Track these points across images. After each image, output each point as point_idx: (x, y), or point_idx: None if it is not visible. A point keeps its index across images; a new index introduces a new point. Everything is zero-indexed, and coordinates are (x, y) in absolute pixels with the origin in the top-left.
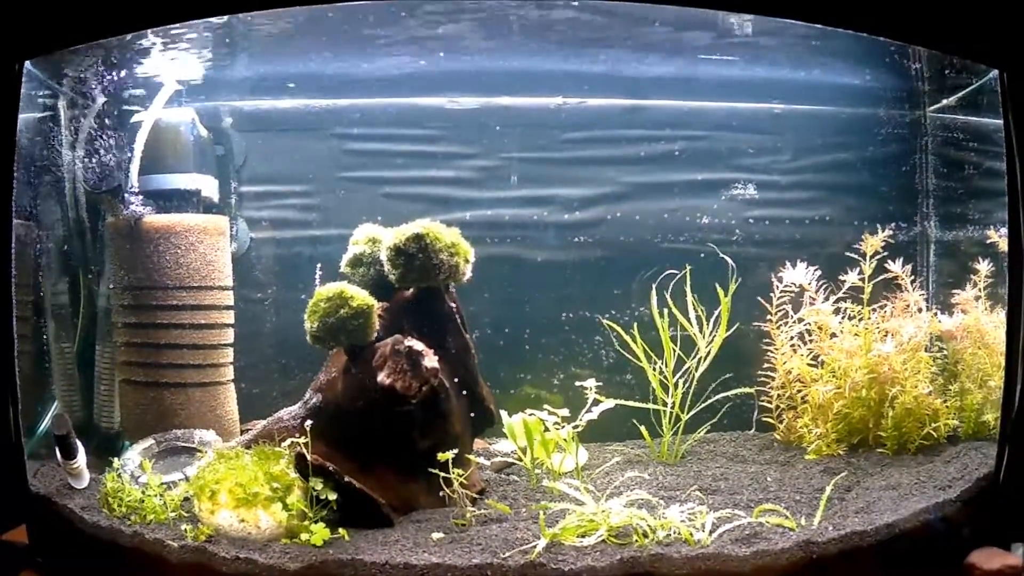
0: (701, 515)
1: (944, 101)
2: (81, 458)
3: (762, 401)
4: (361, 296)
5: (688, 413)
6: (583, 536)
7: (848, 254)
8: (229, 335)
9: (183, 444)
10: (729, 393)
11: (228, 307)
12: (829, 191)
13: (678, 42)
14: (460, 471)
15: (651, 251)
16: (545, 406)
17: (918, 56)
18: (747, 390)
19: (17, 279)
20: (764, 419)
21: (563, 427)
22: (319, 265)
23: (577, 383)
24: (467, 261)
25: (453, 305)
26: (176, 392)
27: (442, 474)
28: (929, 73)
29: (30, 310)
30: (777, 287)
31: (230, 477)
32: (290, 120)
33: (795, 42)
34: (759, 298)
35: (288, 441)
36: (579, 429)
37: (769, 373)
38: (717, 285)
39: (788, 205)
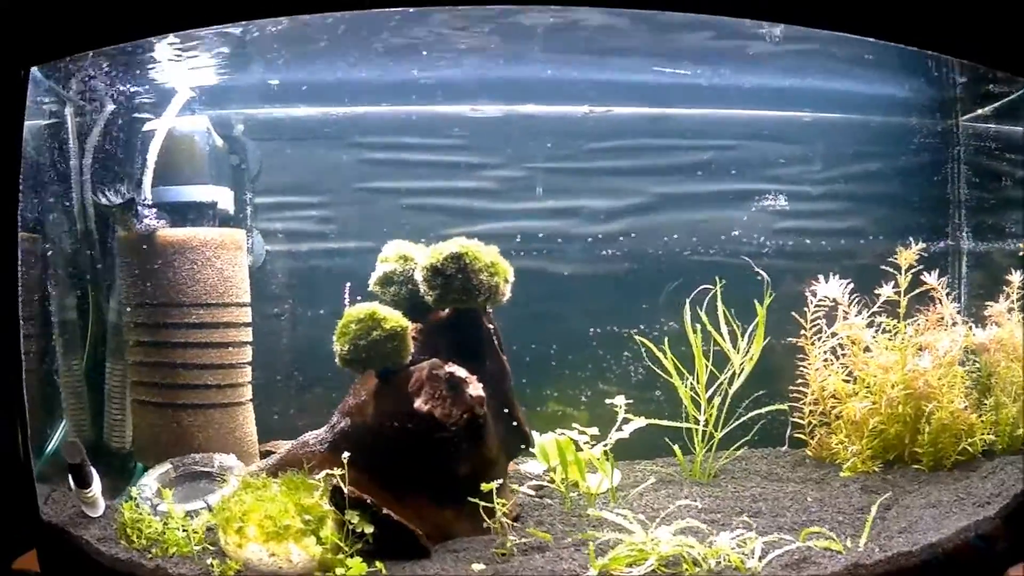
0: (750, 541)
1: (979, 111)
2: (96, 486)
3: (794, 417)
4: (394, 317)
5: (722, 430)
6: (631, 566)
7: (880, 266)
8: (248, 353)
9: (202, 469)
10: (763, 410)
11: (246, 324)
12: (860, 202)
13: (705, 49)
14: (501, 499)
15: (680, 264)
16: (574, 424)
17: (950, 65)
18: (781, 407)
19: (23, 295)
20: (795, 435)
21: (593, 446)
22: (347, 284)
23: (607, 400)
24: (507, 281)
25: (491, 327)
26: (193, 413)
27: (482, 503)
28: (962, 82)
29: (37, 327)
30: (811, 301)
31: (258, 509)
32: (307, 129)
33: (824, 50)
34: (793, 312)
35: (322, 473)
36: (607, 447)
37: (801, 389)
38: (756, 301)
39: (819, 216)
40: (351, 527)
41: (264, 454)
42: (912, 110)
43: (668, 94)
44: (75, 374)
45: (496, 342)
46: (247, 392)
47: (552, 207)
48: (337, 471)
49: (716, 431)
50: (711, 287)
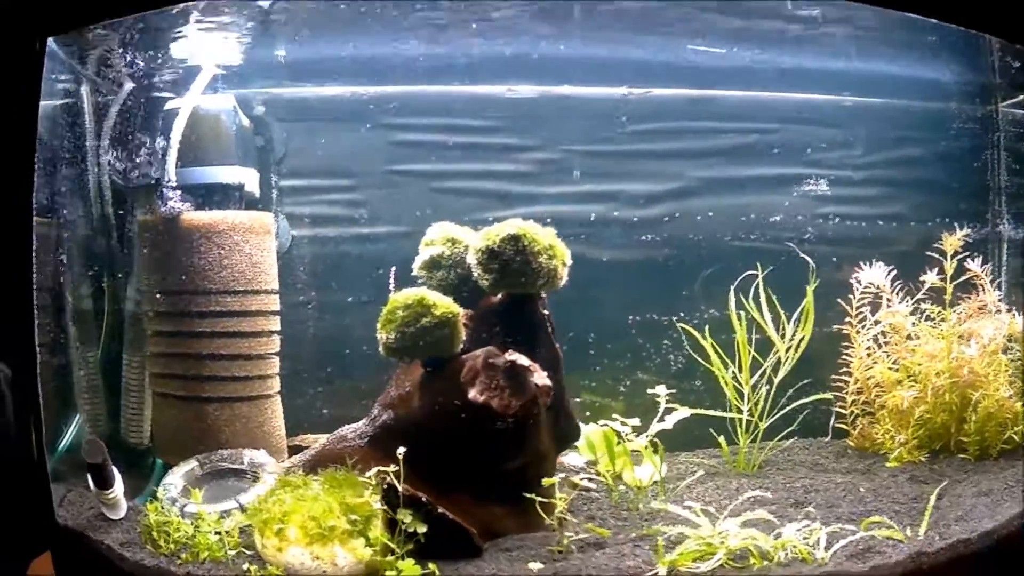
0: (815, 532)
1: (1020, 97)
2: (118, 487)
3: (835, 407)
4: (444, 303)
5: (767, 421)
6: (697, 561)
7: (922, 253)
8: (276, 343)
9: (230, 466)
10: (807, 400)
11: (275, 312)
12: (900, 188)
13: (745, 30)
14: (562, 495)
15: (721, 250)
16: (614, 415)
17: (990, 50)
18: (826, 396)
19: (37, 282)
20: (835, 425)
21: (635, 438)
22: (393, 268)
23: (649, 391)
24: (564, 265)
25: (546, 313)
26: (220, 407)
27: (538, 498)
28: (1002, 67)
29: (50, 316)
30: (857, 288)
31: (300, 509)
32: (335, 108)
33: (864, 33)
34: (835, 299)
35: (373, 470)
36: (650, 439)
37: (843, 378)
38: (806, 287)
39: (860, 202)
40: (403, 527)
41: (292, 449)
42: (952, 95)
43: (708, 75)
44: (90, 366)
45: (550, 329)
46: (275, 384)
47: (590, 191)
48: (391, 468)
49: (761, 421)
50: (754, 273)
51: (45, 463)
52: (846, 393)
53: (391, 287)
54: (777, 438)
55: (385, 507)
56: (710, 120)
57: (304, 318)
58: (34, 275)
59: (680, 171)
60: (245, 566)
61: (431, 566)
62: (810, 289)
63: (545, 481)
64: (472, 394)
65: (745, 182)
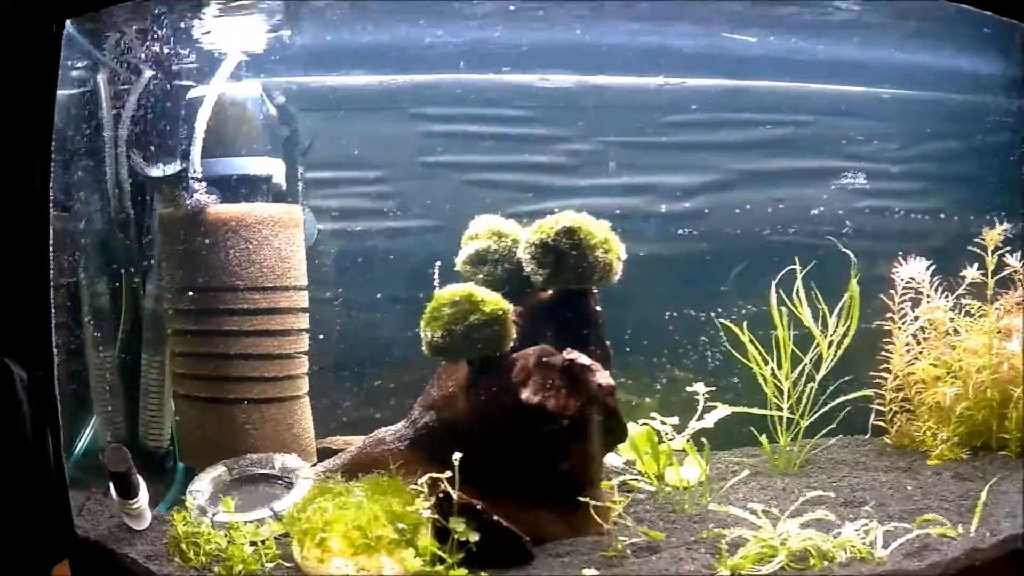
0: (872, 530)
1: None
2: (143, 496)
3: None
4: (494, 299)
5: (808, 418)
6: (758, 563)
7: (959, 248)
8: (305, 341)
9: (260, 471)
10: (848, 397)
11: (303, 310)
12: (938, 181)
13: (781, 19)
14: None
15: (759, 244)
16: (652, 414)
17: None
18: (867, 393)
19: (53, 280)
20: (875, 423)
21: (674, 437)
22: (438, 264)
23: (688, 388)
24: (619, 259)
25: (598, 309)
26: (248, 409)
27: (593, 501)
28: None
29: (66, 315)
30: (899, 283)
31: (343, 518)
32: (362, 98)
33: (902, 24)
34: (874, 295)
35: (426, 476)
36: (689, 438)
37: (881, 374)
38: (853, 282)
39: (898, 196)
40: (455, 536)
41: (322, 452)
42: (990, 88)
43: (744, 66)
44: (107, 367)
45: (601, 326)
46: (304, 384)
47: (626, 183)
48: (444, 475)
49: (802, 419)
50: (795, 268)
51: (63, 470)
52: (885, 390)
53: (435, 283)
54: (818, 436)
55: (438, 515)
56: (746, 111)
57: (330, 315)
58: (51, 272)
59: (717, 163)
60: None
61: (483, 575)
62: (853, 283)
63: (603, 484)
64: (525, 395)
65: (782, 175)
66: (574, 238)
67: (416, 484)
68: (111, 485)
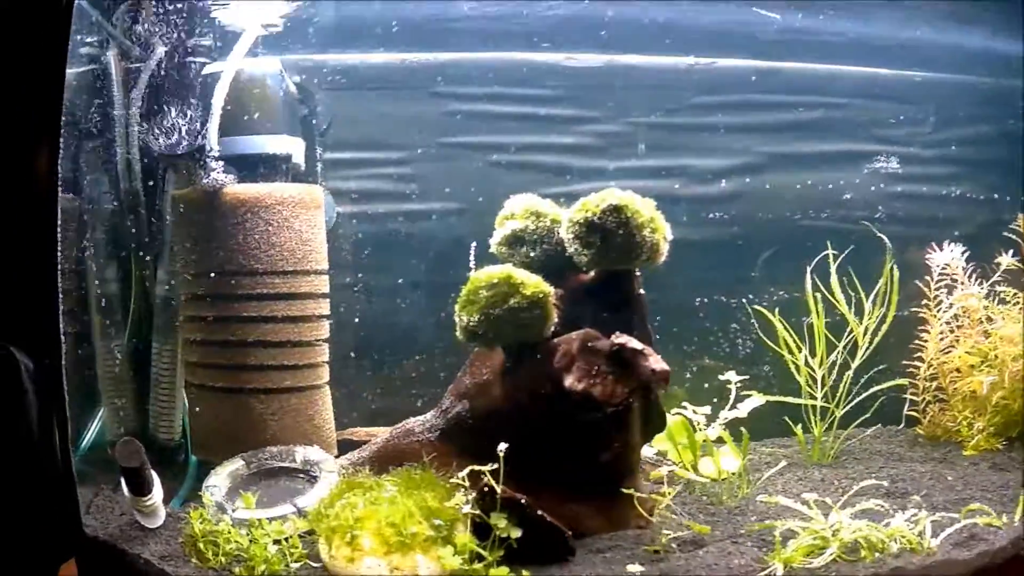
0: (921, 521)
1: None
2: (157, 493)
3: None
4: (534, 281)
5: (843, 408)
6: (809, 555)
7: (992, 234)
8: (325, 328)
9: (281, 465)
10: (882, 386)
11: (324, 295)
12: (970, 166)
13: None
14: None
15: (789, 229)
16: (683, 403)
17: None
18: (902, 382)
19: (60, 265)
20: (908, 413)
21: (707, 427)
22: (474, 244)
23: (720, 376)
24: (665, 239)
25: (641, 292)
26: (267, 399)
27: (637, 493)
28: None
29: (73, 301)
30: (935, 269)
31: (374, 515)
32: (383, 76)
33: (934, 4)
34: (914, 282)
35: (467, 469)
36: (723, 427)
37: (914, 363)
38: (886, 267)
39: (930, 181)
40: (497, 532)
41: (342, 444)
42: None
43: (774, 47)
44: (116, 356)
45: (644, 310)
46: (325, 373)
47: (654, 166)
48: (486, 467)
49: (837, 409)
50: (824, 254)
51: (71, 464)
52: (919, 379)
53: (471, 264)
54: (852, 426)
55: (480, 510)
56: (777, 93)
57: (349, 301)
58: (58, 256)
59: (747, 146)
60: None
61: (524, 574)
62: (888, 269)
63: (653, 474)
64: (569, 382)
65: (812, 158)
66: (621, 216)
67: (448, 477)
68: (122, 481)
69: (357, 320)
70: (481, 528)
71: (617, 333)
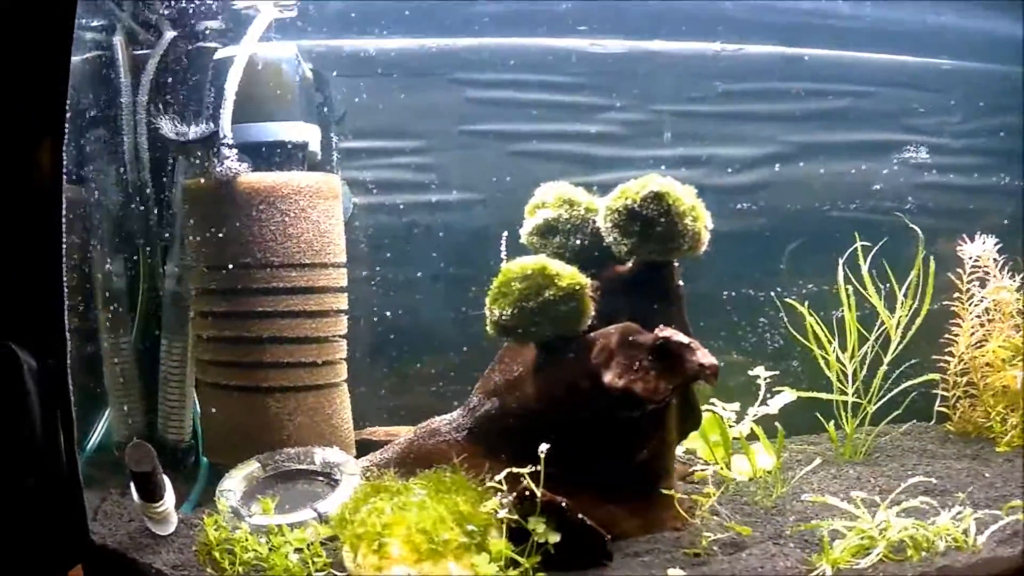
0: (966, 518)
1: None
2: (169, 498)
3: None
4: (569, 273)
5: (875, 403)
6: (855, 555)
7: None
8: (344, 324)
9: (299, 467)
10: (914, 381)
11: (342, 289)
12: (1000, 156)
13: None
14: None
15: (818, 220)
16: (711, 400)
17: None
18: (933, 377)
19: (66, 259)
20: (939, 409)
21: (736, 424)
22: (504, 234)
23: (750, 372)
24: (706, 229)
25: (680, 284)
26: (283, 398)
27: (676, 493)
28: None
29: (78, 297)
30: (967, 261)
31: (403, 520)
32: (401, 63)
33: None
34: (946, 274)
35: (505, 472)
36: (749, 424)
37: (945, 358)
38: (922, 258)
39: (960, 171)
40: (535, 538)
41: (360, 445)
42: None
43: (800, 33)
44: (123, 354)
45: (683, 303)
46: (343, 370)
47: (680, 155)
48: (525, 469)
49: (870, 405)
50: (853, 246)
51: (77, 468)
52: (949, 374)
53: (503, 255)
54: (883, 422)
55: (518, 515)
56: (803, 81)
57: (366, 296)
58: (63, 250)
59: (774, 135)
60: None
61: None
62: (919, 260)
63: (697, 475)
64: (608, 378)
65: (840, 148)
66: (662, 204)
67: (479, 480)
68: (132, 486)
69: (374, 315)
70: (517, 533)
71: (661, 326)
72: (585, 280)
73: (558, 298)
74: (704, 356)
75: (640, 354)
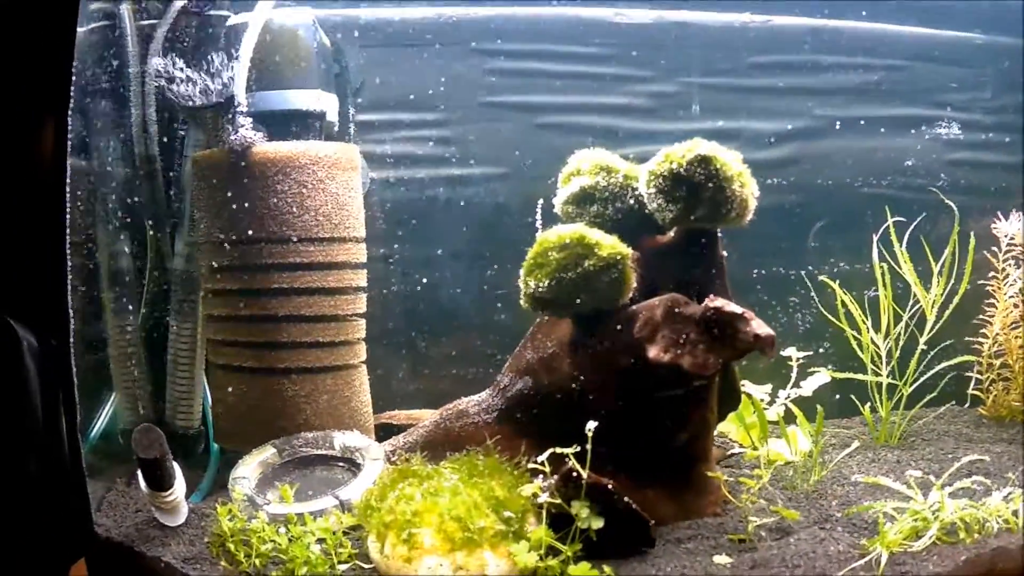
0: (1016, 499)
1: None
2: (179, 487)
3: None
4: (610, 242)
5: (911, 386)
6: (907, 538)
7: None
8: (363, 302)
9: (317, 452)
10: (948, 363)
11: (362, 265)
12: None
13: None
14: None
15: (849, 196)
16: (744, 381)
17: None
18: (970, 359)
19: (69, 236)
20: (973, 392)
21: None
22: (540, 202)
23: (781, 352)
24: (753, 196)
25: (724, 254)
26: (300, 379)
27: (721, 476)
28: None
29: (82, 277)
30: (1002, 240)
31: (434, 507)
32: (420, 32)
33: None
34: (984, 252)
35: (547, 453)
36: (782, 406)
37: (979, 339)
38: (971, 235)
39: (992, 148)
40: (578, 523)
41: (380, 430)
42: None
43: (830, 5)
44: (128, 337)
45: (726, 274)
46: (362, 351)
47: (710, 128)
48: (569, 449)
49: (905, 387)
50: (890, 223)
51: (80, 455)
52: (983, 357)
53: (538, 225)
54: (918, 406)
55: (561, 499)
56: (835, 54)
57: (385, 274)
58: (67, 227)
59: (805, 108)
60: None
61: (607, 570)
62: (954, 238)
63: (747, 455)
64: (653, 352)
65: (872, 123)
66: (710, 168)
67: (513, 463)
68: (139, 474)
69: (392, 295)
70: (557, 520)
71: (711, 296)
72: (626, 250)
73: (598, 269)
74: (760, 326)
75: (687, 327)
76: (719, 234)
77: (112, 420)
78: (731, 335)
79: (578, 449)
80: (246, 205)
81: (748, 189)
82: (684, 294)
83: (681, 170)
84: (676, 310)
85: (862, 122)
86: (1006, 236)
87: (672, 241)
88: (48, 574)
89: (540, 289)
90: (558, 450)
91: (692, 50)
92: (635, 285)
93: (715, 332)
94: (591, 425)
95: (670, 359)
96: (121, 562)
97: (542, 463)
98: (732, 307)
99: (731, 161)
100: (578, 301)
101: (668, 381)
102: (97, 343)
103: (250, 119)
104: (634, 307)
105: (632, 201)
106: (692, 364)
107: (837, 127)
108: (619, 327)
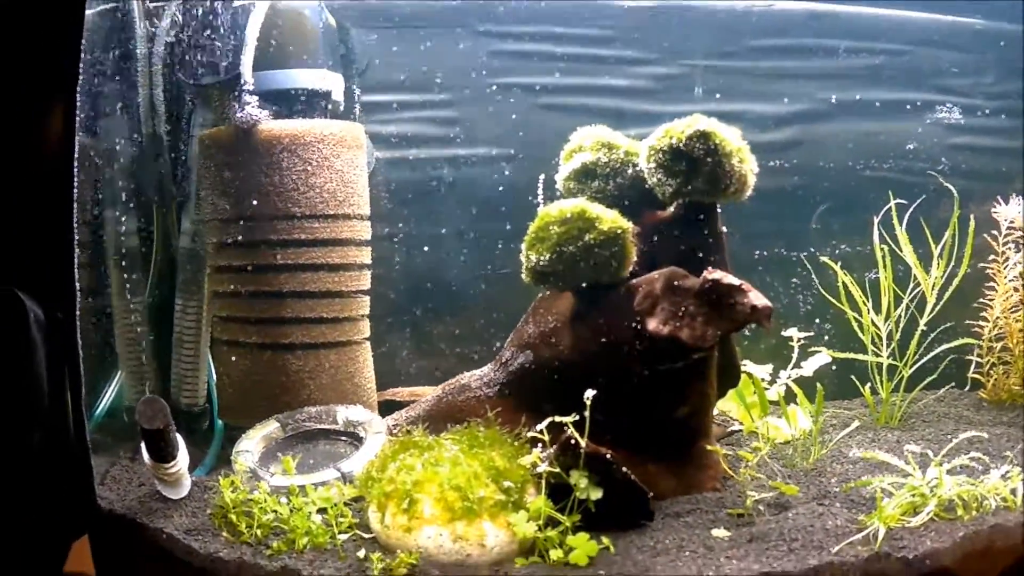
0: (1015, 477)
1: None
2: (182, 458)
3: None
4: (611, 216)
5: (911, 368)
6: (904, 514)
7: None
8: (367, 279)
9: (320, 426)
10: (948, 345)
11: (366, 242)
12: None
13: None
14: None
15: (851, 179)
16: (745, 360)
17: None
18: (970, 341)
19: (76, 212)
20: (973, 375)
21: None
22: (542, 176)
23: (782, 333)
24: (752, 173)
25: (723, 230)
26: (304, 356)
27: (721, 450)
28: None
29: (89, 254)
30: (1002, 224)
31: (435, 478)
32: (425, 14)
33: None
34: (984, 235)
35: (547, 422)
36: (783, 386)
37: (979, 322)
38: (971, 218)
39: (992, 133)
40: (577, 493)
41: (383, 406)
42: None
43: None
44: (135, 313)
45: (726, 250)
46: (365, 327)
47: (712, 110)
48: (568, 418)
49: (906, 369)
50: (891, 206)
51: (84, 429)
52: (984, 340)
53: (540, 199)
54: (918, 387)
55: (559, 467)
56: (837, 38)
57: (388, 252)
58: (74, 202)
59: (806, 92)
60: (361, 552)
61: (605, 541)
62: (955, 221)
63: (748, 427)
64: (653, 325)
65: (873, 107)
66: (709, 143)
67: (514, 435)
68: (143, 446)
69: (397, 273)
70: (557, 490)
71: (709, 268)
72: (627, 224)
73: (599, 242)
74: (757, 298)
75: (686, 299)
76: (719, 209)
77: (118, 397)
78: (729, 307)
79: (577, 418)
80: (252, 182)
81: (747, 165)
82: (684, 268)
83: (681, 145)
84: (675, 283)
85: (864, 106)
86: (1006, 220)
87: (672, 216)
88: (51, 548)
89: (541, 262)
90: (557, 419)
91: (695, 33)
92: (635, 259)
93: (713, 304)
94: (589, 393)
95: (669, 331)
96: (123, 534)
97: (541, 432)
98: (729, 279)
99: (730, 137)
100: (579, 274)
101: (667, 353)
102: (104, 320)
103: (256, 97)
104: (634, 280)
105: (633, 177)
106: (690, 336)
107: (839, 110)
108: (619, 301)
